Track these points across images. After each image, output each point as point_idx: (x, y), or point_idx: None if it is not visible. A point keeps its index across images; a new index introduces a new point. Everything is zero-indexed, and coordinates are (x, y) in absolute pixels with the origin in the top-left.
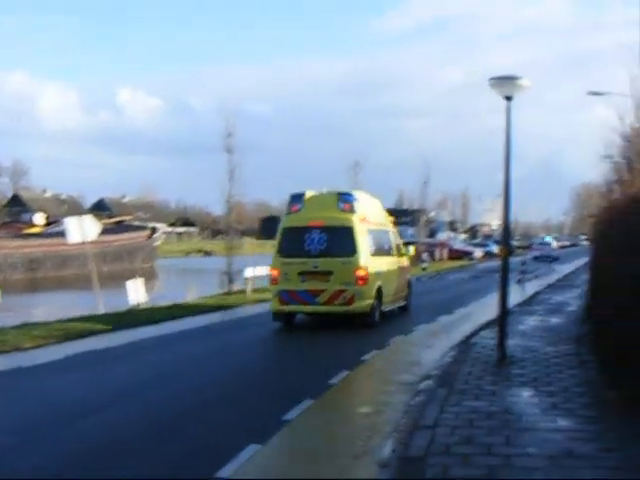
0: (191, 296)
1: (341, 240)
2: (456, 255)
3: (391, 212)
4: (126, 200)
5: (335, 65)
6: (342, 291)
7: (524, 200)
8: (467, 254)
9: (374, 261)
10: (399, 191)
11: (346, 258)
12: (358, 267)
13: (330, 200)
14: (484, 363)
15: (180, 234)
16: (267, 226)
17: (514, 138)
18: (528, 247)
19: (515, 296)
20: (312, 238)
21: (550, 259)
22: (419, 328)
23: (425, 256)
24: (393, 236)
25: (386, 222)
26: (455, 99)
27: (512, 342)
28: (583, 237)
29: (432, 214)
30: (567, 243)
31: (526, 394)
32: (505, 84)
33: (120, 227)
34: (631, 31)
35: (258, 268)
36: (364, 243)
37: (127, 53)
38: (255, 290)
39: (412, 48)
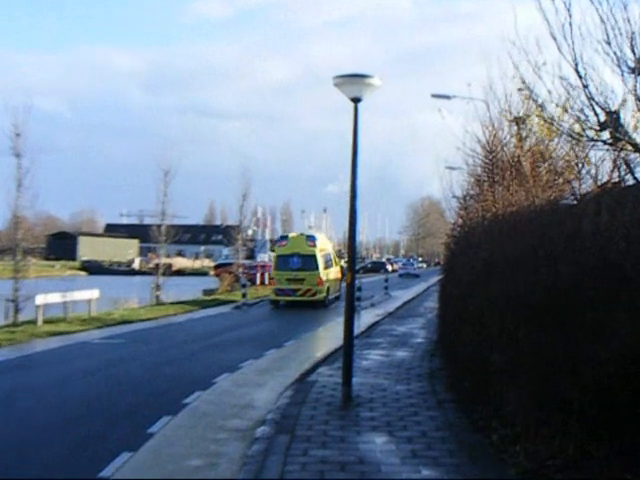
0: None
1: (309, 261)
2: None
3: (201, 229)
4: None
5: (142, 56)
6: (310, 289)
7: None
8: None
9: (325, 273)
10: (210, 203)
11: (312, 271)
12: (318, 276)
13: (302, 239)
14: (327, 405)
15: None
16: (57, 244)
17: (361, 145)
18: (365, 270)
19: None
20: (294, 260)
21: (412, 276)
22: (245, 365)
23: (244, 280)
24: (333, 257)
25: (330, 249)
26: (278, 98)
27: (357, 380)
28: (420, 259)
29: (251, 231)
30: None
31: (380, 440)
32: (353, 83)
33: None
34: (476, 26)
35: (51, 295)
36: (321, 263)
37: None
38: (48, 321)
39: (231, 37)
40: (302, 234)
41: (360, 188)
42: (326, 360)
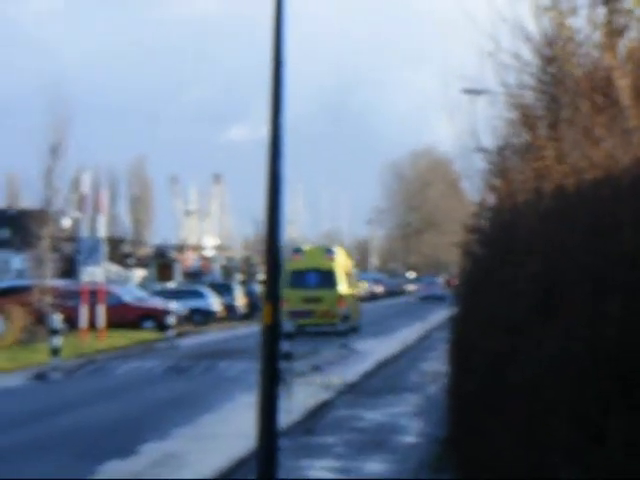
0: None
1: (327, 278)
2: (129, 318)
3: None
4: None
5: None
6: (328, 311)
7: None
8: (154, 316)
9: (347, 291)
10: None
11: (330, 289)
12: (338, 295)
13: (320, 252)
14: None
15: None
16: None
17: (286, 40)
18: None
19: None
20: (310, 276)
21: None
22: None
23: (56, 321)
24: (354, 276)
25: (351, 268)
26: None
27: None
28: (412, 275)
29: (69, 221)
30: (380, 289)
31: None
32: None
33: None
34: None
35: None
36: (342, 280)
37: None
38: None
39: None
40: (319, 246)
41: (290, 131)
42: None
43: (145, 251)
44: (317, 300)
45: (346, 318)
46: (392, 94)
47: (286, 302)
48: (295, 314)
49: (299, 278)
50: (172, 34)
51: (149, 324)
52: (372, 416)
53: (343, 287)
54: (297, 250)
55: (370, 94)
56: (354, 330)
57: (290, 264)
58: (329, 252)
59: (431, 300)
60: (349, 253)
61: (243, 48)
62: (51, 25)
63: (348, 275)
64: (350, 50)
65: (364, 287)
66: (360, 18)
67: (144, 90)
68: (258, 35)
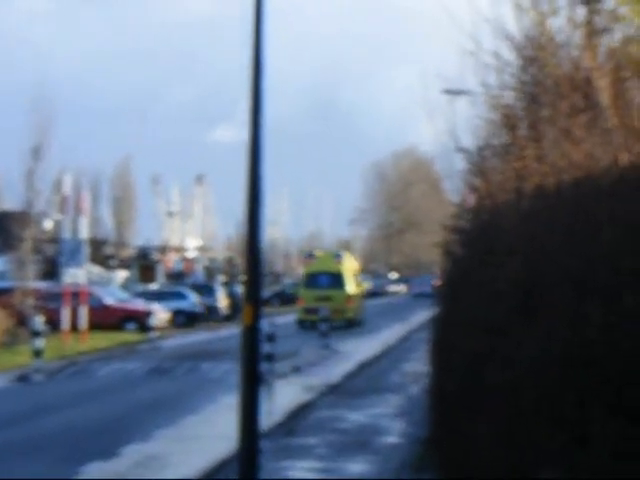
0: None
1: (336, 279)
2: (111, 320)
3: None
4: None
5: None
6: (338, 308)
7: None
8: (135, 317)
9: (354, 291)
10: None
11: (340, 289)
12: (347, 295)
13: (330, 257)
14: None
15: None
16: None
17: (266, 37)
18: (284, 299)
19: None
20: (321, 278)
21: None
22: None
23: (38, 323)
24: (359, 277)
25: (356, 268)
26: None
27: None
28: (394, 275)
29: (50, 223)
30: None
31: None
32: None
33: None
34: None
35: None
36: (350, 281)
37: None
38: None
39: None
40: (330, 252)
41: (276, 131)
42: None
43: (127, 252)
44: (328, 299)
45: (327, 319)
46: (380, 94)
47: (302, 300)
48: (309, 311)
49: (313, 279)
50: (160, 36)
51: (131, 326)
52: (354, 417)
53: (351, 287)
54: (310, 255)
55: (358, 94)
56: (359, 324)
57: (306, 268)
58: (338, 257)
59: (423, 297)
60: (355, 257)
61: (231, 50)
62: (38, 26)
63: (355, 276)
64: (338, 50)
65: (366, 287)
66: (349, 18)
67: (131, 91)
68: (246, 37)
